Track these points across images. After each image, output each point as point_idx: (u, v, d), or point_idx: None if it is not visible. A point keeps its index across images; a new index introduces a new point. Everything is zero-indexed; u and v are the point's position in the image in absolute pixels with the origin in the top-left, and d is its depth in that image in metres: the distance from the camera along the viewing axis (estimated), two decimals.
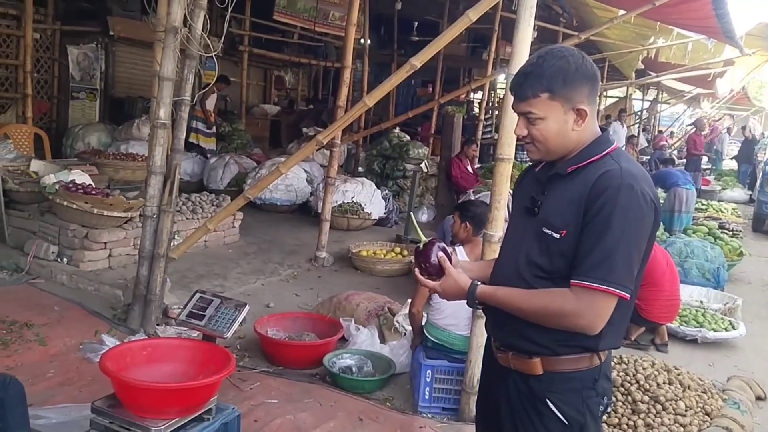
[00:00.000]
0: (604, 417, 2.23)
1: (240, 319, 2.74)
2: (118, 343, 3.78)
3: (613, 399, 3.54)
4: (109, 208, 4.96)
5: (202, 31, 4.12)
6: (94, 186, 5.26)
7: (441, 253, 1.82)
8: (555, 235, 1.64)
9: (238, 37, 11.28)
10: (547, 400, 1.70)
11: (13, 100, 8.56)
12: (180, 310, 4.31)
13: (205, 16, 4.11)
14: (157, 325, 4.20)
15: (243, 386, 3.55)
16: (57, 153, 8.11)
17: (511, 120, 3.12)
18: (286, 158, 8.64)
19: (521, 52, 3.06)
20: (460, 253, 3.58)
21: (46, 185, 4.99)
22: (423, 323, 3.76)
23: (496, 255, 3.25)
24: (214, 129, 9.76)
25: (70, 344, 3.83)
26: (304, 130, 11.06)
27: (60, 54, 9.45)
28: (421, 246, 1.84)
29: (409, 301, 4.33)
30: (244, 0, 10.80)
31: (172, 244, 4.29)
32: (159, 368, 2.59)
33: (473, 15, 3.31)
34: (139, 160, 6.94)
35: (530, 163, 1.89)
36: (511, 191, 2.32)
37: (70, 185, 4.99)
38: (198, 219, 6.05)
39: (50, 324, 4.02)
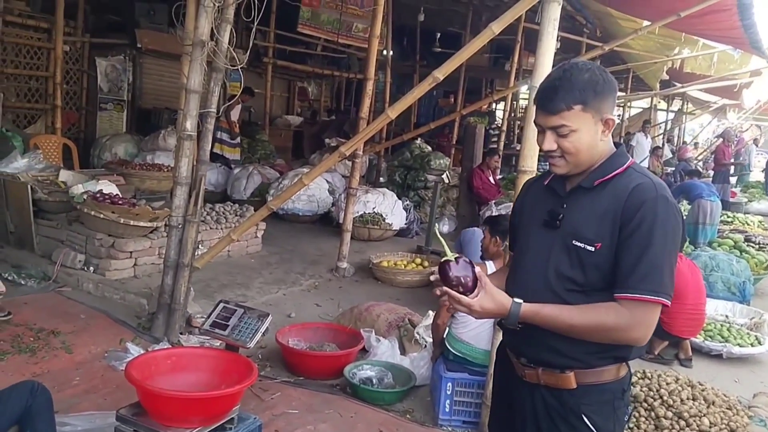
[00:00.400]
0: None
1: (263, 329, 2.77)
2: (142, 351, 3.84)
3: (636, 414, 3.50)
4: (135, 217, 5.04)
5: (228, 44, 4.19)
6: (120, 196, 5.35)
7: (478, 268, 1.68)
8: (589, 248, 1.65)
9: (262, 49, 11.42)
10: (582, 415, 1.71)
11: (43, 111, 8.75)
12: (204, 319, 4.40)
13: (231, 29, 4.19)
14: (181, 334, 4.25)
15: (264, 396, 3.57)
16: (85, 163, 8.29)
17: (533, 132, 3.11)
18: (309, 169, 8.79)
19: (544, 64, 3.07)
20: (491, 268, 3.57)
21: (74, 195, 5.09)
22: (445, 336, 3.76)
23: None
24: (238, 140, 9.88)
25: (96, 352, 3.90)
26: (327, 140, 11.14)
27: (89, 66, 9.65)
28: (452, 259, 1.67)
29: (430, 312, 4.35)
30: (269, 12, 10.94)
31: (196, 253, 4.36)
32: (182, 377, 2.64)
33: (496, 28, 3.32)
34: (165, 170, 7.05)
35: (533, 176, 1.92)
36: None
37: (98, 195, 5.08)
38: (222, 229, 6.12)
39: (76, 332, 4.09)
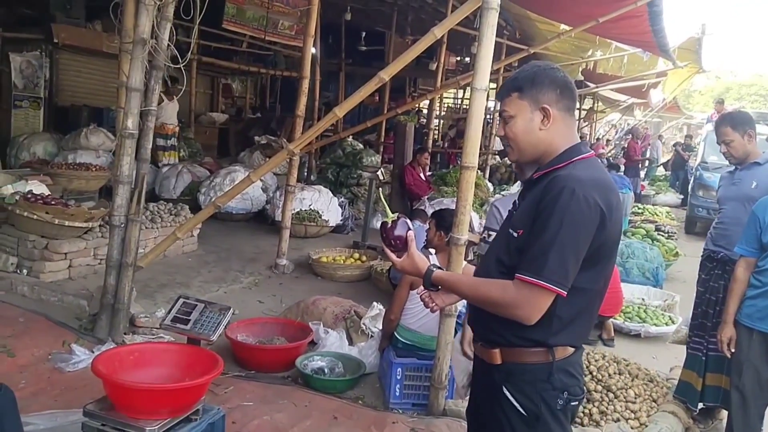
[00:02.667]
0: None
1: (225, 322, 2.84)
2: (87, 352, 3.81)
3: None
4: (71, 218, 4.92)
5: (169, 41, 4.19)
6: (53, 196, 5.20)
7: (410, 231, 1.95)
8: (514, 234, 1.80)
9: (185, 45, 11.18)
10: (504, 389, 1.81)
11: None
12: (147, 318, 4.39)
13: (171, 27, 4.19)
14: (125, 333, 4.21)
15: (218, 390, 3.61)
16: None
17: (475, 131, 3.35)
18: (240, 167, 8.76)
19: (484, 67, 3.28)
20: (433, 260, 3.76)
21: (4, 196, 4.91)
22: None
23: (462, 257, 3.49)
24: (173, 141, 9.52)
25: (39, 355, 3.81)
26: (256, 138, 11.08)
27: (1, 62, 9.19)
28: (390, 221, 1.95)
29: (375, 304, 4.52)
30: (201, 11, 10.72)
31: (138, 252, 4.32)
32: (147, 372, 2.67)
33: (438, 32, 3.51)
34: (93, 169, 6.86)
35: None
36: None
37: (29, 195, 4.93)
38: (157, 228, 6.05)
39: (16, 335, 3.98)
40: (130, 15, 4.25)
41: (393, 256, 1.94)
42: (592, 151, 1.90)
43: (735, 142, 3.60)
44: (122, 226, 4.17)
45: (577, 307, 1.77)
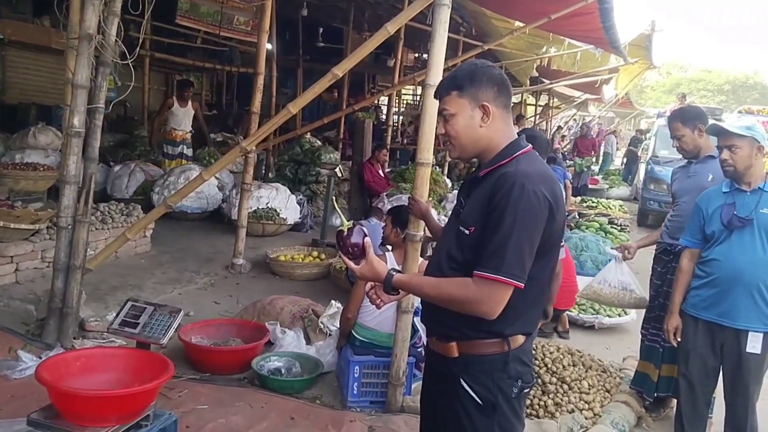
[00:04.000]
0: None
1: (176, 325, 2.79)
2: (35, 359, 3.69)
3: None
4: (16, 220, 4.76)
5: (117, 37, 4.08)
6: None
7: (366, 238, 1.97)
8: (466, 231, 1.84)
9: (136, 40, 10.92)
10: (461, 380, 1.85)
11: None
12: (97, 322, 4.27)
13: (119, 22, 4.08)
14: (74, 338, 4.09)
15: (171, 394, 3.53)
16: None
17: (429, 127, 3.35)
18: (194, 165, 8.59)
19: (437, 63, 3.29)
20: (389, 257, 3.76)
21: None
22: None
23: (417, 253, 3.50)
24: (182, 148, 9.08)
25: None
26: (212, 135, 10.89)
27: None
28: (345, 229, 1.97)
29: (333, 302, 4.50)
30: (149, 5, 10.48)
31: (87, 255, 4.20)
32: (94, 377, 2.61)
33: (391, 28, 3.50)
34: (41, 169, 6.62)
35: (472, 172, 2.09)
36: None
37: None
38: (108, 229, 5.90)
39: None
40: (76, 10, 4.12)
41: (351, 263, 1.96)
42: (530, 145, 1.93)
43: (686, 137, 3.69)
44: (69, 227, 4.05)
45: (530, 296, 1.81)
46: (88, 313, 4.39)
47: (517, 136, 1.93)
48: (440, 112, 1.93)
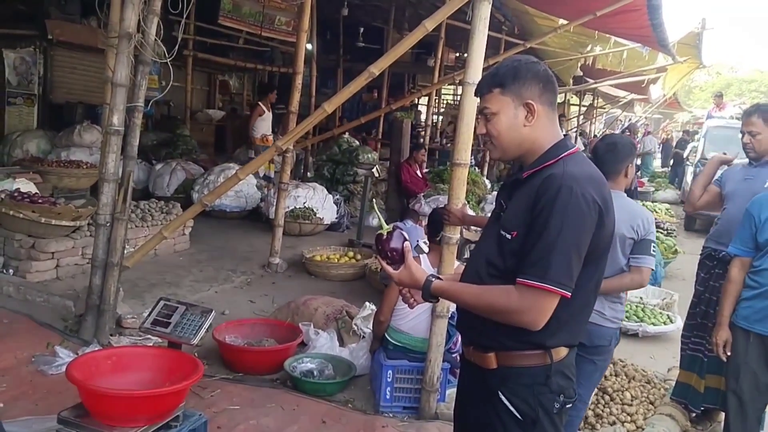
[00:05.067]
0: None
1: (206, 325, 2.76)
2: (72, 355, 3.73)
3: None
4: (58, 217, 4.84)
5: (156, 36, 4.10)
6: (40, 194, 5.11)
7: (406, 243, 1.88)
8: (507, 236, 1.73)
9: (182, 41, 11.09)
10: (499, 393, 1.76)
11: None
12: (134, 319, 4.31)
13: (158, 21, 4.10)
14: (111, 335, 4.13)
15: (204, 394, 3.54)
16: None
17: (467, 127, 3.26)
18: (235, 164, 8.66)
19: (476, 61, 3.19)
20: (424, 260, 3.67)
21: None
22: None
23: (453, 256, 3.41)
24: None
25: (22, 357, 3.73)
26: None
27: None
28: (385, 233, 1.89)
29: (367, 304, 4.43)
30: (188, 4, 10.63)
31: (125, 252, 4.24)
32: (124, 377, 2.59)
33: (429, 25, 3.42)
34: (84, 167, 6.78)
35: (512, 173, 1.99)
36: None
37: (16, 194, 4.85)
38: (148, 227, 5.97)
39: None
40: (117, 9, 4.17)
41: (389, 268, 1.86)
42: (577, 146, 1.83)
43: (761, 136, 3.41)
44: (108, 225, 4.09)
45: (575, 306, 1.71)
46: (126, 310, 4.43)
47: (563, 136, 1.82)
48: (481, 111, 1.83)
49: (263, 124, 8.82)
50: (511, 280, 1.68)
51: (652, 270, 2.90)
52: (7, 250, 4.86)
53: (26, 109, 9.44)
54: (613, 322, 2.85)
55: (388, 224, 1.94)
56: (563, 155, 1.76)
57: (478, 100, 1.86)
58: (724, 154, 3.83)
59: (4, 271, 4.82)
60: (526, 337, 1.71)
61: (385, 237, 1.88)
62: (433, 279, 1.82)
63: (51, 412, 3.09)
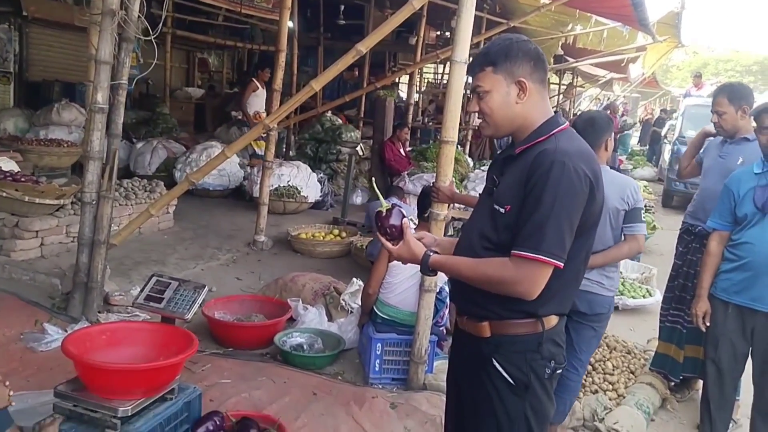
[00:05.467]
0: None
1: (200, 300, 2.78)
2: (60, 332, 3.74)
3: None
4: (41, 195, 4.80)
5: (140, 13, 4.06)
6: (22, 173, 5.06)
7: (405, 219, 1.95)
8: (501, 210, 1.79)
9: (159, 17, 10.90)
10: (493, 360, 1.83)
11: None
12: (122, 296, 4.31)
13: None
14: (99, 312, 4.14)
15: (195, 369, 3.57)
16: None
17: (454, 105, 3.29)
18: (216, 142, 8.61)
19: (464, 39, 3.22)
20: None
21: None
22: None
23: (441, 232, 3.46)
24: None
25: (10, 335, 3.73)
26: (233, 113, 10.90)
27: None
28: (384, 211, 1.95)
29: (354, 280, 4.49)
30: None
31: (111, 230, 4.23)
32: (119, 351, 2.61)
33: (417, 3, 3.43)
34: (65, 145, 6.70)
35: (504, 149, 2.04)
36: None
37: None
38: (131, 205, 5.94)
39: None
40: None
41: (389, 244, 1.93)
42: (567, 123, 1.88)
43: (727, 115, 3.53)
44: (94, 203, 4.08)
45: (565, 277, 1.77)
46: (113, 287, 4.43)
47: (554, 113, 1.88)
48: (473, 90, 1.87)
49: (257, 101, 8.71)
50: (504, 252, 1.74)
51: (645, 235, 3.03)
52: None
53: (2, 87, 9.28)
54: (611, 290, 3.02)
55: (391, 205, 1.99)
56: (555, 131, 1.81)
57: (469, 78, 1.90)
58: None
59: None
60: (519, 306, 1.77)
61: (384, 214, 1.94)
62: (431, 254, 1.88)
63: (43, 387, 3.11)
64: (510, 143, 1.95)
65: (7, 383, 2.31)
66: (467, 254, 1.87)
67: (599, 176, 1.78)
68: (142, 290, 2.88)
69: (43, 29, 9.72)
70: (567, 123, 1.87)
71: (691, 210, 3.77)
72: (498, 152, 2.10)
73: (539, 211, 1.68)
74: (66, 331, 3.74)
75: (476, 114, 1.92)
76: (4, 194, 4.65)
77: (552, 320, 1.84)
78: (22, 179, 4.85)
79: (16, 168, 5.16)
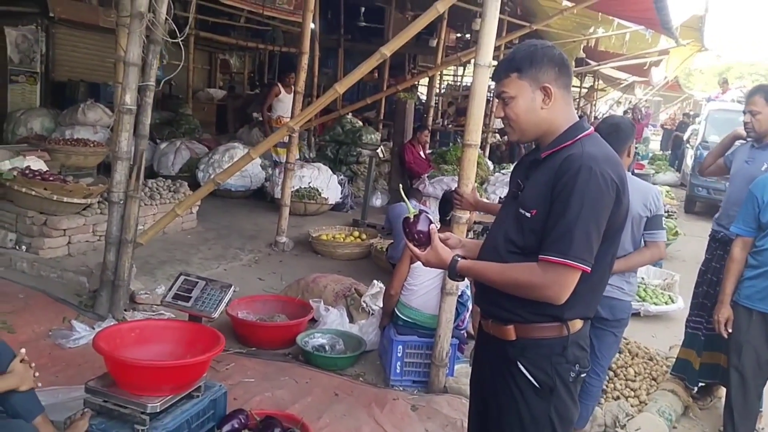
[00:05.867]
0: None
1: (227, 299, 2.84)
2: (88, 329, 3.81)
3: None
4: (69, 194, 4.89)
5: (167, 15, 4.13)
6: (50, 172, 5.16)
7: (432, 225, 1.97)
8: (527, 214, 1.81)
9: (182, 19, 11.04)
10: (518, 363, 1.84)
11: None
12: (147, 295, 4.38)
13: (168, 0, 4.12)
14: (125, 310, 4.21)
15: (219, 367, 3.62)
16: None
17: (478, 108, 3.31)
18: (238, 143, 8.68)
19: (488, 43, 3.24)
20: None
21: (2, 172, 4.87)
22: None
23: (463, 235, 3.48)
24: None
25: (39, 331, 3.81)
26: (254, 114, 10.98)
27: None
28: (412, 217, 1.97)
29: (375, 282, 4.52)
30: None
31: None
32: (148, 348, 2.67)
33: (441, 7, 3.45)
34: (91, 145, 6.81)
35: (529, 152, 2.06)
36: None
37: (27, 171, 4.89)
38: (156, 205, 6.02)
39: (16, 312, 3.98)
40: None
41: (417, 250, 1.95)
42: (592, 128, 1.89)
43: (761, 116, 3.45)
44: (121, 202, 4.15)
45: (591, 281, 1.79)
46: (138, 286, 4.51)
47: (578, 118, 1.89)
48: (499, 95, 1.89)
49: (280, 105, 8.65)
50: (529, 256, 1.77)
51: (666, 242, 3.04)
52: (19, 227, 4.92)
53: (29, 87, 9.42)
54: (630, 295, 3.04)
55: (419, 211, 2.01)
56: (580, 136, 1.83)
57: (494, 83, 1.92)
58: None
59: (17, 247, 4.88)
60: (545, 309, 1.79)
61: (412, 220, 1.96)
62: (459, 259, 1.90)
63: (72, 383, 3.18)
64: (535, 147, 1.97)
65: (33, 364, 2.37)
66: (492, 258, 1.89)
67: (625, 181, 1.80)
68: (170, 289, 2.93)
69: (69, 30, 9.86)
70: (592, 128, 1.88)
71: (717, 216, 3.75)
72: (519, 156, 2.10)
73: (567, 215, 1.69)
74: (93, 328, 3.81)
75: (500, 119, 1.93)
76: (33, 193, 4.75)
77: (577, 324, 1.85)
78: (51, 178, 4.95)
79: (44, 167, 5.26)
